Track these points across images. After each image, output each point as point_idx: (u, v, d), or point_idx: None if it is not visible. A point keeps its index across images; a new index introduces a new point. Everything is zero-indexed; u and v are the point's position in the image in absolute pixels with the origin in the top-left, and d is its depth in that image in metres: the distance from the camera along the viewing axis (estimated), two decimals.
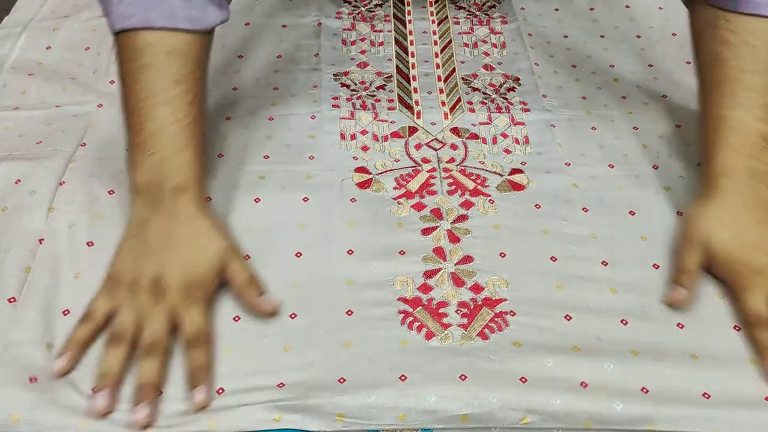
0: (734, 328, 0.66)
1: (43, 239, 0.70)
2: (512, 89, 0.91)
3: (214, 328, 0.65)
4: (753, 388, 0.62)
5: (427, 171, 0.80)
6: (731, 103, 0.71)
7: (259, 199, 0.76)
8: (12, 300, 0.65)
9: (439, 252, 0.72)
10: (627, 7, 1.06)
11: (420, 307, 0.67)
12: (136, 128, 0.68)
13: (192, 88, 0.70)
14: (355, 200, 0.76)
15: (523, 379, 0.61)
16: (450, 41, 0.98)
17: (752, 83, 0.71)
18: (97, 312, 0.63)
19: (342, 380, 0.61)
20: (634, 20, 1.03)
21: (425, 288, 0.69)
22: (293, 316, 0.66)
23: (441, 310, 0.67)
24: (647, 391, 0.61)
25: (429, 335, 0.65)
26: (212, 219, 0.68)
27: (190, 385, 0.60)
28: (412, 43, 0.98)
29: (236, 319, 0.66)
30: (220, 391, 0.60)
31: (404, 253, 0.71)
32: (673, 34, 1.00)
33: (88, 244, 0.71)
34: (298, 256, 0.71)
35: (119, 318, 0.62)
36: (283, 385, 0.61)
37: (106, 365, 0.60)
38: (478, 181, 0.79)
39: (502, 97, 0.90)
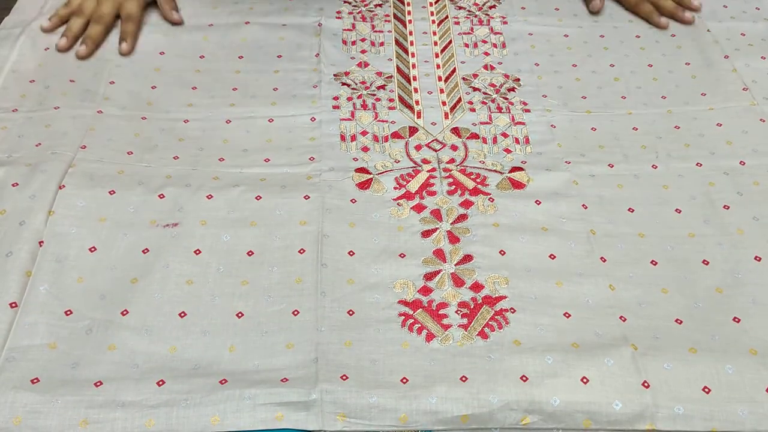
0: (733, 320, 0.67)
1: (42, 242, 0.70)
2: (513, 89, 0.91)
3: (217, 320, 0.66)
4: (753, 381, 0.62)
5: (427, 171, 0.80)
6: None
7: (261, 197, 0.76)
8: (13, 305, 0.65)
9: (439, 254, 0.72)
10: None
11: (420, 309, 0.67)
12: None
13: None
14: (356, 201, 0.77)
15: (524, 378, 0.61)
16: (450, 41, 0.98)
17: None
18: (74, 2, 0.97)
19: (344, 377, 0.61)
20: (634, 20, 1.03)
21: (425, 290, 0.69)
22: (296, 312, 0.66)
23: (441, 311, 0.67)
24: (648, 386, 0.61)
25: (429, 337, 0.65)
26: None
27: (120, 40, 0.95)
28: (412, 43, 0.98)
29: (239, 315, 0.66)
30: (223, 381, 0.61)
31: (404, 256, 0.71)
32: (672, 35, 1.00)
33: (90, 249, 0.70)
34: (301, 253, 0.71)
35: (86, 3, 0.96)
36: (287, 380, 0.61)
37: (71, 25, 0.95)
38: (478, 180, 0.79)
39: (503, 97, 0.90)
